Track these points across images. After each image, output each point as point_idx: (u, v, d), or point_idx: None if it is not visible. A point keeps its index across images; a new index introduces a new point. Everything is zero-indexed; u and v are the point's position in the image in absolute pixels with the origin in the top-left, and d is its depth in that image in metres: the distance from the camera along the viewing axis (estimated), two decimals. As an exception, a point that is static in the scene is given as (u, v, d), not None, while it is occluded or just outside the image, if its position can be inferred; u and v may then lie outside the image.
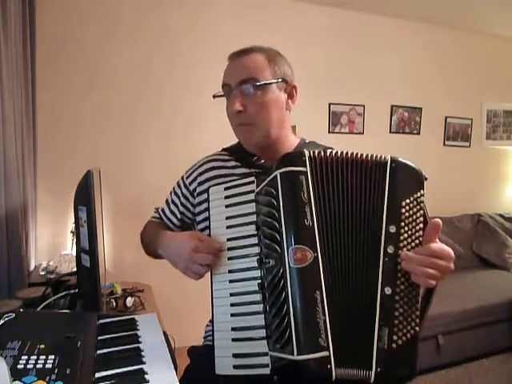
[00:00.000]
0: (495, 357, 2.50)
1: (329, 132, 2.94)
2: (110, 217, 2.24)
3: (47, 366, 0.65)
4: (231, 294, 0.80)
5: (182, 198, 1.08)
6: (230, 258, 0.83)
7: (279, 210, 0.74)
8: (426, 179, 0.75)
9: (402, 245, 0.71)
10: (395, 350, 0.68)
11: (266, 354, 0.73)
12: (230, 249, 0.83)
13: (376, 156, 0.77)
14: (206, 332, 1.06)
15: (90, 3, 2.30)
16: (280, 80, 0.95)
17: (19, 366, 0.64)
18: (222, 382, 0.78)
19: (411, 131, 3.21)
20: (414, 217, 0.73)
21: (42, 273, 1.83)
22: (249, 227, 0.81)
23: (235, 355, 0.76)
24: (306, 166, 0.75)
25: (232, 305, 0.80)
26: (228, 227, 0.84)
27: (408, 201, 0.73)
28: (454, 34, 3.24)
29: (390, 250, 0.71)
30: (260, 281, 0.77)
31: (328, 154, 0.77)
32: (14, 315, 0.84)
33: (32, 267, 1.91)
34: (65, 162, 2.22)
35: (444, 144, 3.34)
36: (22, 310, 1.10)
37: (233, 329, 0.78)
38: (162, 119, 2.48)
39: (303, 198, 0.73)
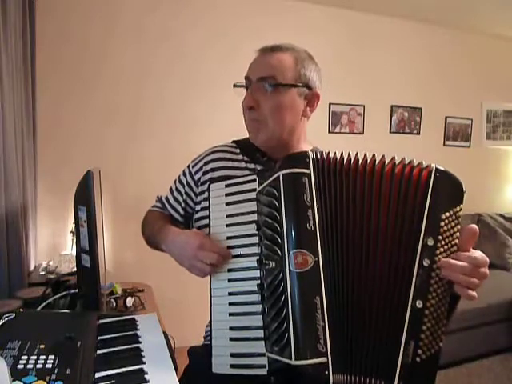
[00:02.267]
0: (495, 357, 2.50)
1: (329, 132, 2.94)
2: (110, 217, 2.24)
3: (47, 365, 0.65)
4: (230, 294, 0.80)
5: (186, 187, 1.06)
6: None
7: (281, 212, 0.73)
8: (464, 192, 0.72)
9: (437, 259, 0.68)
10: (418, 364, 0.67)
11: (263, 355, 0.73)
12: (229, 247, 0.82)
13: (418, 164, 0.72)
14: (206, 332, 1.06)
15: (90, 3, 2.30)
16: (301, 85, 0.93)
17: (19, 366, 0.64)
18: (220, 381, 0.78)
19: (411, 131, 3.21)
20: (452, 231, 0.69)
21: (42, 273, 1.83)
22: (249, 226, 0.80)
23: (232, 355, 0.76)
24: (309, 168, 0.73)
25: (230, 304, 0.79)
26: (228, 225, 0.83)
27: (448, 214, 0.69)
28: (453, 33, 3.24)
29: (426, 262, 0.68)
30: (259, 281, 0.76)
31: (332, 156, 0.75)
32: (13, 315, 0.84)
33: (32, 267, 1.91)
34: (65, 162, 2.22)
35: (444, 144, 3.34)
36: (21, 309, 1.10)
37: (231, 328, 0.78)
38: (162, 120, 2.48)
39: (306, 201, 0.72)
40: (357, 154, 0.75)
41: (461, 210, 0.70)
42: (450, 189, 0.71)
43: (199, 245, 0.82)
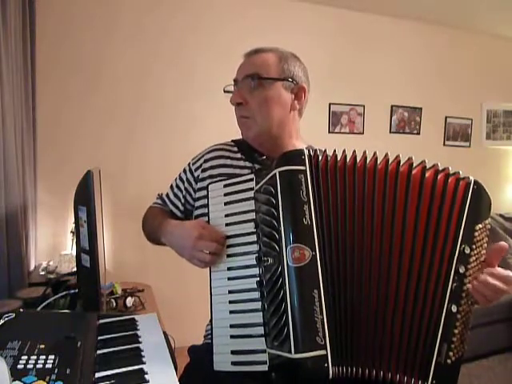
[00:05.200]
0: (495, 357, 2.50)
1: (329, 132, 2.94)
2: (110, 217, 2.24)
3: (47, 365, 0.65)
4: (230, 292, 0.81)
5: (186, 183, 1.08)
6: (228, 256, 0.83)
7: (278, 209, 0.74)
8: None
9: (470, 266, 0.72)
10: (449, 365, 0.70)
11: (264, 351, 0.73)
12: (228, 246, 0.83)
13: (454, 173, 0.75)
14: (206, 331, 1.06)
15: (90, 3, 2.30)
16: (286, 78, 0.95)
17: (19, 366, 0.64)
18: (221, 377, 0.78)
19: (411, 131, 3.21)
20: (482, 242, 0.73)
21: (42, 273, 1.83)
22: (248, 225, 0.81)
23: (233, 352, 0.77)
24: (305, 165, 0.74)
25: (231, 302, 0.80)
26: (227, 225, 0.84)
27: (481, 226, 0.73)
28: (454, 33, 3.24)
29: (461, 269, 0.71)
30: (258, 279, 0.77)
31: (329, 154, 0.77)
32: (13, 315, 0.84)
33: (32, 267, 1.91)
34: (65, 162, 2.22)
35: (444, 144, 3.34)
36: (22, 310, 1.10)
37: (231, 326, 0.78)
38: (162, 119, 2.48)
39: (302, 197, 0.73)
40: (365, 153, 0.76)
41: (489, 223, 0.74)
42: (483, 202, 0.74)
43: (198, 235, 0.84)
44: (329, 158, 0.77)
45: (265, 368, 0.73)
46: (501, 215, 3.34)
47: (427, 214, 0.73)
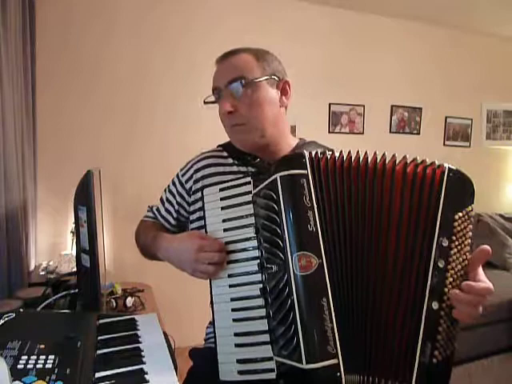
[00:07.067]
0: (495, 357, 2.50)
1: (329, 132, 2.94)
2: (110, 217, 2.24)
3: (47, 365, 0.65)
4: (232, 299, 0.79)
5: (178, 197, 1.05)
6: (228, 262, 0.80)
7: (280, 215, 0.71)
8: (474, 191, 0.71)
9: (451, 259, 0.68)
10: (435, 365, 0.66)
11: (270, 359, 0.72)
12: (228, 252, 0.80)
13: (431, 163, 0.71)
14: (207, 334, 1.05)
15: (90, 3, 2.30)
16: (270, 76, 0.92)
17: (19, 366, 0.64)
18: None
19: (411, 131, 3.21)
20: (465, 231, 0.69)
21: (42, 273, 1.83)
22: (247, 230, 0.79)
23: (239, 361, 0.75)
24: (306, 168, 0.72)
25: (233, 310, 0.78)
26: (225, 230, 0.82)
27: (461, 214, 0.68)
28: (453, 33, 3.25)
29: (441, 264, 0.67)
30: (261, 285, 0.75)
31: (329, 155, 0.74)
32: (13, 315, 0.84)
33: (32, 267, 1.91)
34: (65, 162, 2.22)
35: (444, 144, 3.34)
36: (22, 310, 1.10)
37: (235, 334, 0.76)
38: (161, 120, 2.48)
39: (305, 203, 0.70)
40: (358, 153, 0.74)
41: (472, 209, 0.70)
42: (462, 188, 0.70)
43: (198, 247, 0.81)
44: (329, 158, 0.74)
45: (272, 376, 0.71)
46: (501, 215, 3.34)
47: (408, 211, 0.70)
